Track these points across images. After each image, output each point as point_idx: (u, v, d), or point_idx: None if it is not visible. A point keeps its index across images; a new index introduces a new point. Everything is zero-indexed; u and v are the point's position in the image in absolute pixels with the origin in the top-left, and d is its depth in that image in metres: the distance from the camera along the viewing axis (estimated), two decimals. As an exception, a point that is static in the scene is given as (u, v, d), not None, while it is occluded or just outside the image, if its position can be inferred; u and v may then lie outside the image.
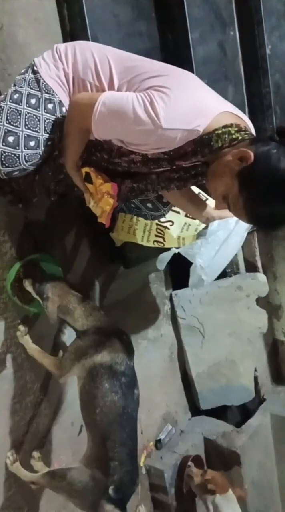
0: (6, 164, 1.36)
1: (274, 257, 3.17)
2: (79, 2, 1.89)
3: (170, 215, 1.94)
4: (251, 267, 2.99)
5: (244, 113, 1.40)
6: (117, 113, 1.28)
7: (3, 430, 1.96)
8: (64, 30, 2.02)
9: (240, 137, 1.27)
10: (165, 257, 2.01)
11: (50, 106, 1.41)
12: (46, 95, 1.40)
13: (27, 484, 1.93)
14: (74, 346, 1.81)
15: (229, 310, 2.80)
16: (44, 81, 1.40)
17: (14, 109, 1.37)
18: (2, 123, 1.35)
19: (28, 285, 1.86)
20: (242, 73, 2.46)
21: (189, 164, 1.41)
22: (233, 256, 2.26)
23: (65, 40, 2.00)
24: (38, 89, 1.40)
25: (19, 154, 1.36)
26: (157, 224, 2.00)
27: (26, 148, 1.37)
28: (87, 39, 1.88)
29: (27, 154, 1.38)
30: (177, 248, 2.05)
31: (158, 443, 2.67)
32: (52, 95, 1.41)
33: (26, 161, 1.39)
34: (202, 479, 2.42)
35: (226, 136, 1.26)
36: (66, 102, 1.43)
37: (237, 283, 2.81)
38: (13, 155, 1.36)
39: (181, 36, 2.15)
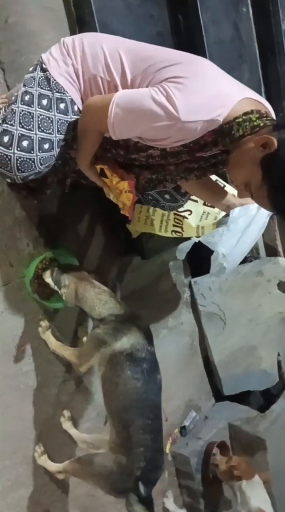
0: (22, 170, 1.33)
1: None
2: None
3: (188, 204, 1.90)
4: (271, 251, 2.93)
5: (260, 95, 1.35)
6: (132, 112, 1.24)
7: (27, 424, 1.98)
8: (70, 18, 1.95)
9: (261, 124, 1.23)
10: (185, 246, 1.96)
11: (62, 106, 1.37)
12: (57, 95, 1.36)
13: (52, 476, 1.97)
14: (93, 335, 1.80)
15: (250, 295, 2.76)
16: (54, 80, 1.36)
17: (26, 112, 1.33)
18: (15, 128, 1.31)
19: (47, 277, 1.85)
20: (257, 53, 2.37)
21: (209, 154, 1.37)
22: (254, 243, 2.21)
23: (73, 28, 1.94)
24: (48, 88, 1.36)
25: (34, 158, 1.33)
26: (175, 214, 1.97)
27: (41, 151, 1.34)
28: (95, 26, 1.82)
29: (42, 157, 1.35)
30: (197, 237, 2.01)
31: (183, 430, 2.68)
32: (63, 94, 1.37)
33: (41, 164, 1.35)
34: (227, 465, 2.41)
35: (247, 123, 1.22)
36: (77, 100, 1.39)
37: (258, 268, 2.77)
38: (28, 160, 1.33)
39: (193, 18, 2.08)
